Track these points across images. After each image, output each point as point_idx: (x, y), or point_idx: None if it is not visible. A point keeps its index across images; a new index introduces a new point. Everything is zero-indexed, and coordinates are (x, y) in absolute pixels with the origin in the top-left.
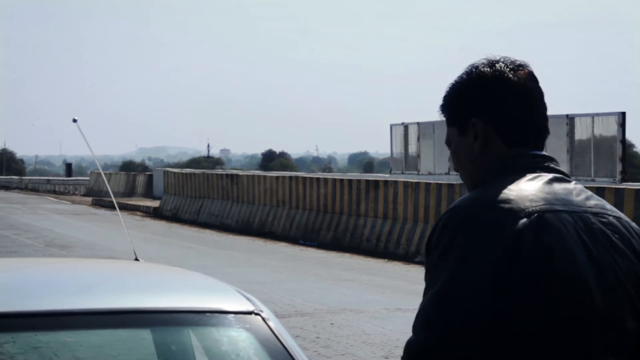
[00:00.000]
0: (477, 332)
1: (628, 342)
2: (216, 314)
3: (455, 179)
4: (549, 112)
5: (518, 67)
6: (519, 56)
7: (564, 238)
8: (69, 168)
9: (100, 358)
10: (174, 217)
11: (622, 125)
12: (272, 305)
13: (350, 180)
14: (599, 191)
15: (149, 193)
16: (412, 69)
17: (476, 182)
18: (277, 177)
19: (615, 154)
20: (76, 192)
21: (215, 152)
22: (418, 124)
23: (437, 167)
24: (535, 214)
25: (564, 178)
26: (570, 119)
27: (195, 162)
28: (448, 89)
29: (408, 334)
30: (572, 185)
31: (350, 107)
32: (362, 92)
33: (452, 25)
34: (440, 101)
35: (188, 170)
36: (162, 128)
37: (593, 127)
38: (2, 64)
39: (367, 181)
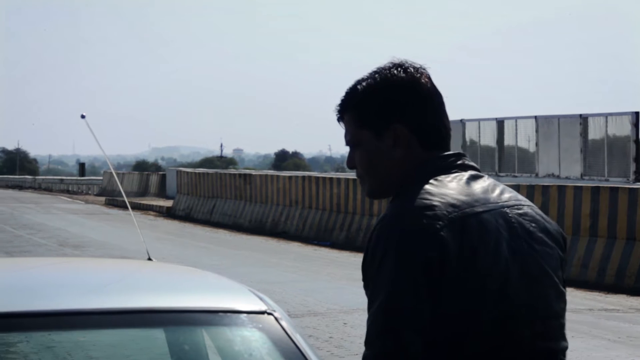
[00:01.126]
0: (423, 336)
1: (557, 324)
2: (229, 314)
3: None
4: (562, 112)
5: (422, 72)
6: (521, 54)
7: (486, 239)
8: (82, 168)
9: (114, 357)
10: (187, 217)
11: (636, 125)
12: (285, 305)
13: None
14: (613, 191)
15: (162, 193)
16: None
17: (389, 187)
18: (290, 177)
19: (628, 153)
20: (89, 192)
21: (228, 151)
22: None
23: None
24: (458, 219)
25: (478, 175)
26: (583, 119)
27: (208, 162)
28: (361, 90)
29: None
30: (486, 181)
31: None
32: None
33: (456, 24)
34: (346, 98)
35: (201, 170)
36: (175, 128)
37: (606, 127)
38: (14, 63)
39: None
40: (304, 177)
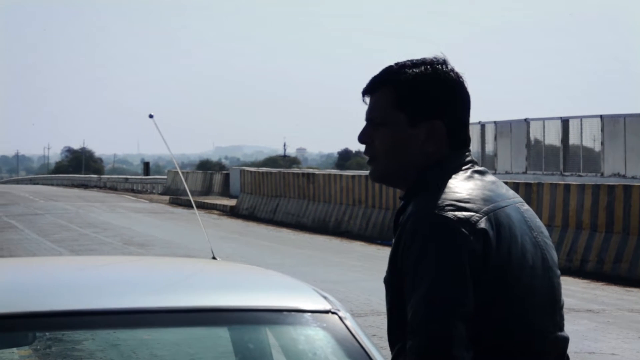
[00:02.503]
0: (468, 325)
1: (562, 315)
2: (293, 313)
3: (533, 178)
4: (632, 110)
5: (458, 72)
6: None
7: (514, 232)
8: (146, 167)
9: (178, 356)
10: (251, 216)
11: None
12: (348, 304)
13: None
14: None
15: (225, 192)
16: (489, 68)
17: (405, 175)
18: (354, 176)
19: None
20: (154, 191)
21: (291, 151)
22: (495, 123)
23: (514, 166)
24: (492, 213)
25: (486, 170)
26: None
27: (271, 161)
28: (411, 75)
29: None
30: (493, 178)
31: None
32: None
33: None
34: (383, 75)
35: (264, 169)
36: (238, 127)
37: None
38: (85, 63)
39: None
40: (367, 177)
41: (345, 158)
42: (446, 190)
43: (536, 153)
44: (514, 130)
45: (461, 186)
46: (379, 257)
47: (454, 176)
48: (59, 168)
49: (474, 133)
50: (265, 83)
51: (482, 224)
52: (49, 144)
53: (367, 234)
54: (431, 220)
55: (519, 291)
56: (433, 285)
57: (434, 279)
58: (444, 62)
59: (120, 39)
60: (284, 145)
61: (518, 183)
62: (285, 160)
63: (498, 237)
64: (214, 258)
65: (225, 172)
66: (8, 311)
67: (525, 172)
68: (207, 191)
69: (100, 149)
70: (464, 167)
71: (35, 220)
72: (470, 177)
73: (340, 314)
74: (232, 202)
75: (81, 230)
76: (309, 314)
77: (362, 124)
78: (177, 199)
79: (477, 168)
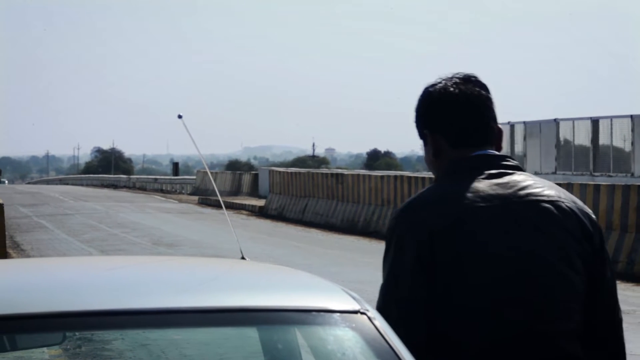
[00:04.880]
0: (421, 305)
1: (556, 311)
2: (322, 313)
3: (562, 178)
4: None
5: (462, 81)
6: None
7: (482, 231)
8: (175, 167)
9: (207, 355)
10: (279, 216)
11: None
12: None
13: None
14: None
15: (254, 192)
16: (515, 68)
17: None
18: (382, 177)
19: None
20: (183, 191)
21: (320, 151)
22: (524, 123)
23: (543, 166)
24: (453, 212)
25: (502, 172)
26: None
27: (300, 161)
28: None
29: None
30: (507, 178)
31: None
32: None
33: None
34: None
35: (293, 169)
36: (267, 127)
37: None
38: (124, 64)
39: None
40: (396, 177)
41: (374, 158)
42: (420, 194)
43: (566, 153)
44: (543, 130)
45: (435, 190)
46: None
47: (443, 180)
48: (89, 168)
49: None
50: (295, 84)
51: (434, 221)
52: (78, 144)
53: None
54: (397, 217)
55: (477, 281)
56: (389, 275)
57: (389, 270)
58: (433, 83)
59: (149, 41)
60: (313, 145)
61: None
62: (314, 161)
63: (452, 233)
64: (243, 258)
65: (254, 172)
66: (38, 311)
67: (554, 173)
68: (236, 191)
69: (130, 150)
70: (466, 171)
71: (65, 220)
72: (456, 180)
73: (369, 314)
74: (260, 203)
75: (110, 230)
76: (338, 314)
77: (391, 124)
78: (206, 199)
79: (478, 173)
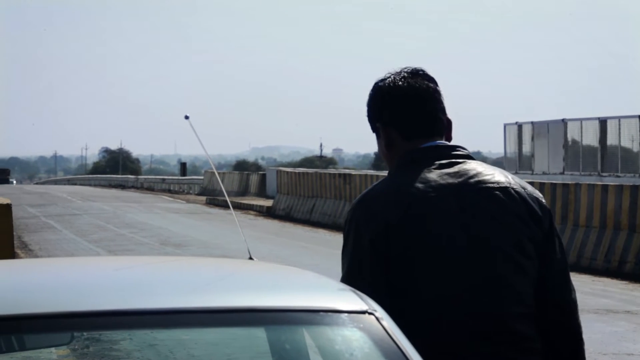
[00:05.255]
0: (382, 291)
1: (508, 293)
2: (330, 313)
3: (570, 178)
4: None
5: (410, 75)
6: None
7: (433, 219)
8: (183, 167)
9: (215, 356)
10: (287, 216)
11: None
12: None
13: None
14: None
15: (262, 192)
16: (515, 68)
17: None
18: None
19: None
20: (190, 191)
21: (327, 151)
22: (532, 123)
23: (551, 166)
24: (404, 203)
25: (453, 161)
26: None
27: (308, 162)
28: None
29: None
30: (458, 167)
31: (463, 106)
32: (475, 91)
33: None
34: None
35: (301, 169)
36: (275, 128)
37: None
38: (131, 64)
39: None
40: None
41: (381, 159)
42: (373, 186)
43: (574, 153)
44: (551, 130)
45: (387, 181)
46: None
47: (394, 172)
48: (97, 168)
49: (510, 134)
50: (302, 84)
51: (388, 212)
52: (86, 144)
53: None
54: (353, 209)
55: (431, 269)
56: (347, 267)
57: (347, 262)
58: (383, 77)
59: (153, 41)
60: (321, 145)
61: (555, 184)
62: (321, 161)
63: (405, 222)
64: (250, 258)
65: (261, 172)
66: (46, 311)
67: (562, 173)
68: (244, 192)
69: (138, 150)
70: (413, 162)
71: (73, 220)
72: (406, 172)
73: (377, 314)
74: (268, 203)
75: (118, 230)
76: (346, 314)
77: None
78: (214, 199)
79: (428, 163)
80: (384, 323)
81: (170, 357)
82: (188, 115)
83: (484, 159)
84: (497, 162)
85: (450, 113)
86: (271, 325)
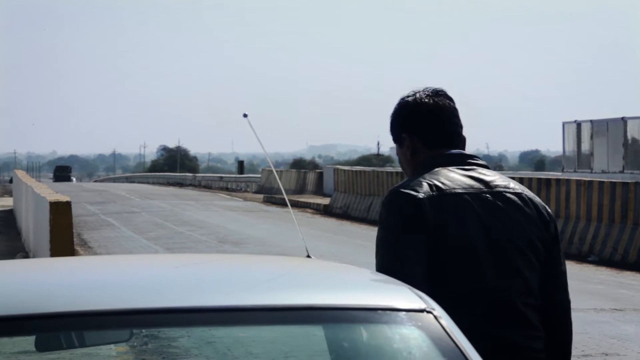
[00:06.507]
0: (414, 267)
1: (520, 283)
2: (388, 312)
3: (630, 177)
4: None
5: (433, 93)
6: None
7: (459, 213)
8: (241, 165)
9: (273, 353)
10: (344, 215)
11: None
12: None
13: (521, 179)
14: None
15: (319, 190)
16: (583, 66)
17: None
18: None
19: None
20: (248, 189)
21: (385, 149)
22: (591, 121)
23: (611, 165)
24: (438, 196)
25: (472, 168)
26: None
27: (365, 160)
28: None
29: (583, 334)
30: (478, 172)
31: (521, 104)
32: (533, 90)
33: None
34: None
35: (358, 167)
36: (332, 126)
37: None
38: (184, 64)
39: (539, 179)
40: None
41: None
42: (409, 180)
43: (634, 152)
44: (610, 129)
45: (422, 177)
46: None
47: (429, 172)
48: (155, 166)
49: (569, 133)
50: (360, 82)
51: (424, 200)
52: (145, 142)
53: None
54: (388, 199)
55: (454, 246)
56: (382, 242)
57: (382, 238)
58: (410, 94)
59: (213, 40)
60: (378, 144)
61: (615, 182)
62: (378, 159)
63: (439, 212)
64: (308, 256)
65: (318, 170)
66: (106, 308)
67: (622, 172)
68: (301, 190)
69: (195, 148)
70: (441, 165)
71: (131, 218)
72: (437, 171)
73: (435, 312)
74: (325, 201)
75: (176, 228)
76: (404, 312)
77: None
78: (271, 197)
79: (452, 168)
80: (443, 322)
81: (227, 355)
82: (247, 113)
83: (543, 158)
84: (556, 161)
85: (509, 112)
86: (329, 324)
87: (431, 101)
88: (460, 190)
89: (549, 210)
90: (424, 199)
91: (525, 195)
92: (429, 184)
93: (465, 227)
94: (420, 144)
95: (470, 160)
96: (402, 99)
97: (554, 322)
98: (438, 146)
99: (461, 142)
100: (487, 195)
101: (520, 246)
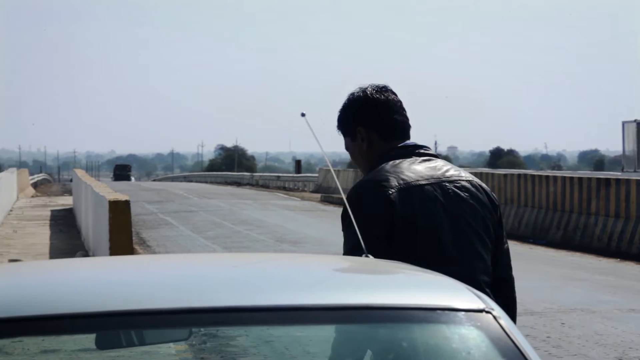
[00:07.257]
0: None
1: (481, 264)
2: (446, 312)
3: None
4: None
5: (381, 89)
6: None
7: (424, 202)
8: (298, 165)
9: (330, 352)
10: None
11: None
12: None
13: (580, 179)
14: None
15: None
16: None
17: (369, 171)
18: (505, 175)
19: None
20: (305, 189)
21: (442, 149)
22: None
23: None
24: (405, 189)
25: (429, 158)
26: None
27: None
28: (339, 112)
29: None
30: (433, 163)
31: (580, 103)
32: (592, 88)
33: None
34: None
35: None
36: None
37: None
38: (242, 63)
39: (598, 179)
40: (519, 175)
41: (497, 156)
42: (374, 173)
43: None
44: None
45: (387, 170)
46: (531, 256)
47: (388, 163)
48: (213, 166)
49: (629, 132)
50: (415, 81)
51: (393, 196)
52: (202, 142)
53: (519, 232)
54: (356, 196)
55: (424, 245)
56: (353, 244)
57: (354, 240)
58: (359, 90)
59: (270, 39)
60: (435, 143)
61: None
62: None
63: (406, 206)
64: (366, 256)
65: None
66: (166, 307)
67: None
68: None
69: (253, 147)
70: (400, 157)
71: (189, 217)
72: (398, 164)
73: (494, 313)
74: None
75: (234, 227)
76: (463, 312)
77: (515, 120)
78: (329, 196)
79: (410, 159)
80: (502, 322)
81: (285, 354)
82: (304, 112)
83: (602, 158)
84: (615, 161)
85: (567, 111)
86: (387, 323)
87: (382, 96)
88: (423, 182)
89: (495, 195)
90: (393, 192)
91: (476, 182)
92: (395, 178)
93: (433, 216)
94: (376, 136)
95: (422, 151)
96: (352, 94)
97: (502, 298)
98: (393, 138)
99: (409, 132)
100: (446, 184)
101: (478, 230)
